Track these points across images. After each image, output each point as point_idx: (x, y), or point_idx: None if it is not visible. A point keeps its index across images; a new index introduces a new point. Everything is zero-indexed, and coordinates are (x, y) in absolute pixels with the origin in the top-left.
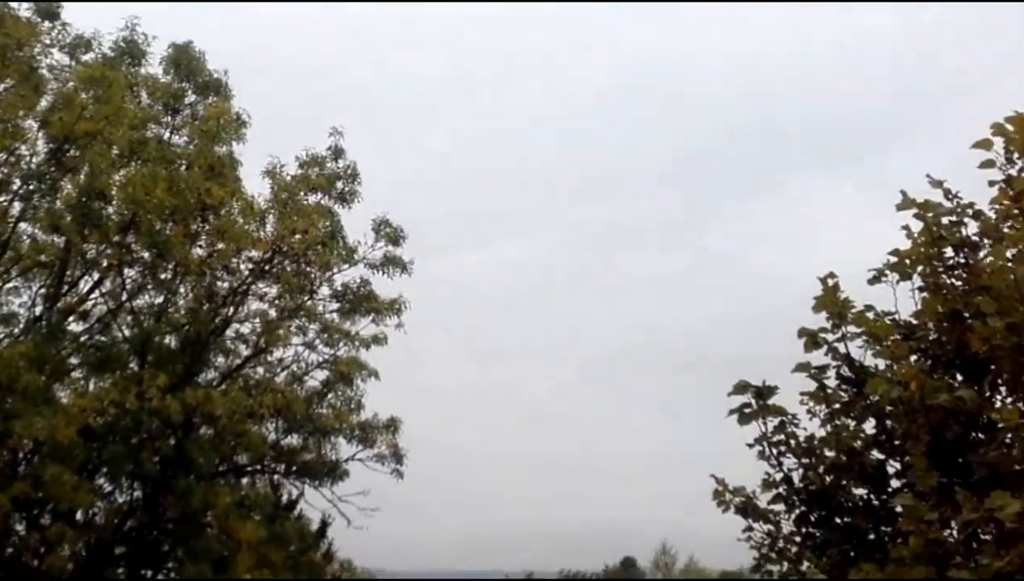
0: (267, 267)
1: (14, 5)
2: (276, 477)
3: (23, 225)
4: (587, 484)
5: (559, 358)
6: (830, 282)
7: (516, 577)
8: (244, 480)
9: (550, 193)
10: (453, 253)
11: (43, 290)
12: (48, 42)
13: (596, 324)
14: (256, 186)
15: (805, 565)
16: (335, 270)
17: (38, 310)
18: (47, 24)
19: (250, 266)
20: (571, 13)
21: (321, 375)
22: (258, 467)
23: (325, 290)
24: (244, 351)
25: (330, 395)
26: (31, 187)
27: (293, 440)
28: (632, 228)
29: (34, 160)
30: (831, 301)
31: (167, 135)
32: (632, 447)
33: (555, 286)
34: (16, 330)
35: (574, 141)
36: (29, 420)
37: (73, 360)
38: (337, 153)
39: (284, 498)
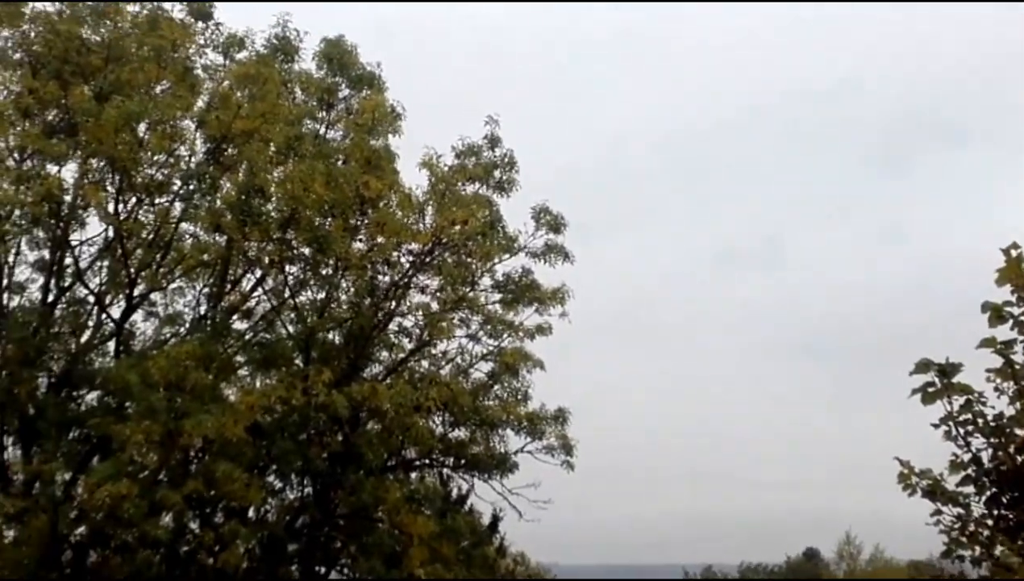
0: (428, 259)
1: (168, 7)
2: (445, 471)
3: (185, 225)
4: (766, 474)
5: (728, 342)
6: (1013, 253)
7: (695, 571)
8: (413, 474)
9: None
10: (617, 236)
11: (207, 289)
12: (202, 42)
13: (762, 306)
14: (413, 178)
15: (998, 549)
16: (496, 260)
17: (203, 309)
18: (200, 25)
19: (410, 259)
20: None
21: (486, 367)
22: (427, 461)
23: (487, 281)
24: (408, 345)
25: (496, 387)
26: (191, 187)
27: (461, 433)
28: (793, 206)
29: (193, 160)
30: (1015, 273)
31: (322, 130)
32: (810, 434)
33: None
34: (182, 329)
35: (733, 118)
36: (198, 418)
37: (239, 358)
38: (493, 142)
39: (454, 492)
